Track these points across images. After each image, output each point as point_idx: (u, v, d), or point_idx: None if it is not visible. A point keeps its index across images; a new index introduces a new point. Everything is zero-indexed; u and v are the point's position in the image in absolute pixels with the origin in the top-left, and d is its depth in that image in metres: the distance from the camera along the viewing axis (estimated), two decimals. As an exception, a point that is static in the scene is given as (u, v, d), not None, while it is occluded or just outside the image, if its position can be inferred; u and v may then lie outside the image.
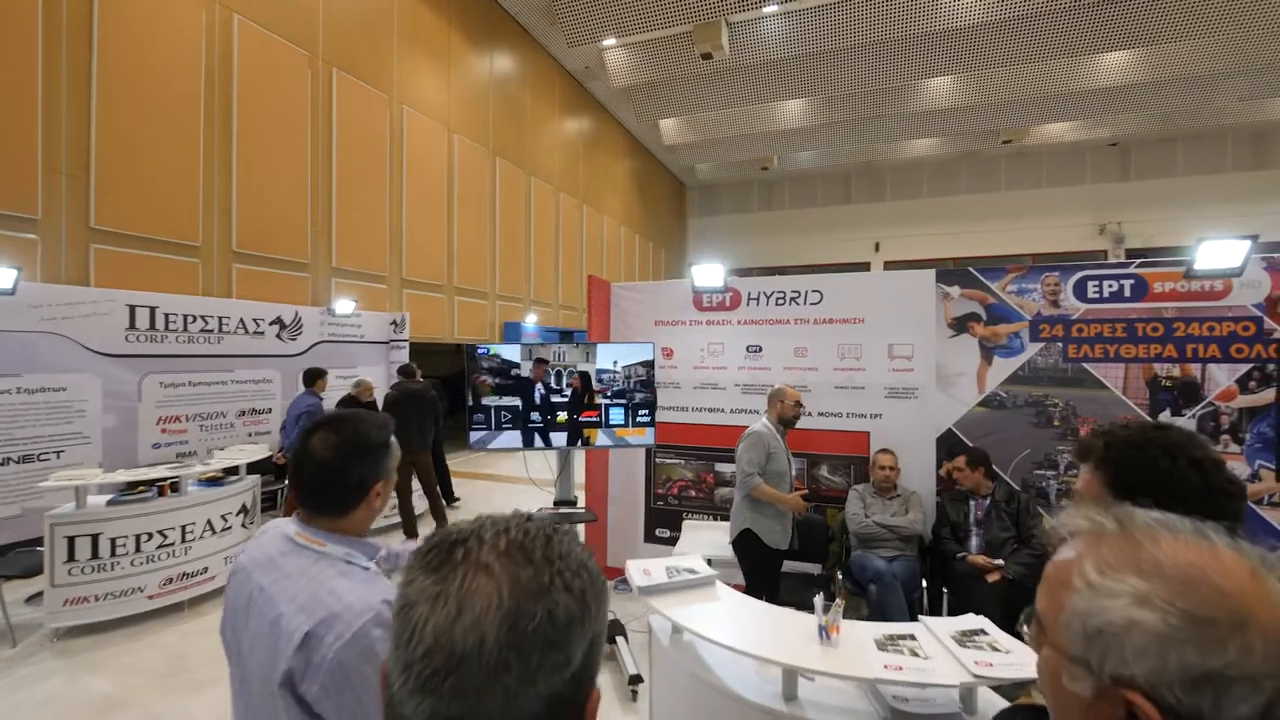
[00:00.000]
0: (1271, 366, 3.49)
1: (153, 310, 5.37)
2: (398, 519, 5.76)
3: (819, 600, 1.74)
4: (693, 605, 1.97)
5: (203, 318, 5.86)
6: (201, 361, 5.84)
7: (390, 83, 8.48)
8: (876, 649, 1.60)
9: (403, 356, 8.22)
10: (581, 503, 4.03)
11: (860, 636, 1.69)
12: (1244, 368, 3.55)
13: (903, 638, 1.65)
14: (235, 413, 6.20)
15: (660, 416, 4.15)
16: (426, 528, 5.63)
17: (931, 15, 8.90)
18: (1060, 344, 3.86)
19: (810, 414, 4.25)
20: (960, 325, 4.00)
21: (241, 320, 6.26)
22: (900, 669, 1.50)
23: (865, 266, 17.57)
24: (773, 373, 4.33)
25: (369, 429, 1.15)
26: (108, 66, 5.24)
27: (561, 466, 3.40)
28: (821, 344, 4.23)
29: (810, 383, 4.23)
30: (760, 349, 4.37)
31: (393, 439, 1.22)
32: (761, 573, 3.22)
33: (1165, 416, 3.69)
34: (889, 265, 17.39)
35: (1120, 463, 0.95)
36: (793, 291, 4.33)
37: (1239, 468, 3.55)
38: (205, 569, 4.12)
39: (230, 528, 4.30)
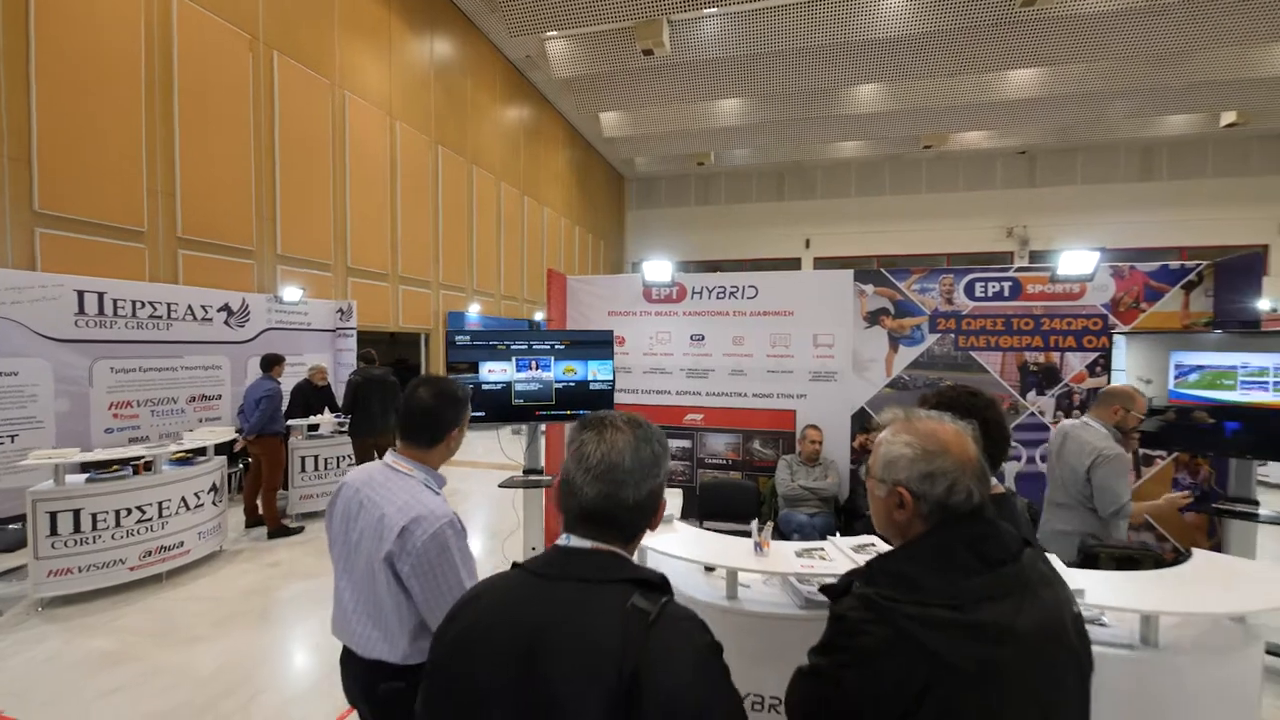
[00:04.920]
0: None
1: (101, 296, 5.32)
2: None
3: (754, 524, 2.28)
4: (657, 536, 2.46)
5: (151, 304, 5.82)
6: (151, 347, 5.81)
7: (332, 68, 8.43)
8: (796, 556, 2.15)
9: (350, 344, 8.31)
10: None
11: (784, 550, 2.24)
12: (1091, 356, 4.38)
13: (815, 550, 2.21)
14: (186, 398, 6.19)
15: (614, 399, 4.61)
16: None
17: (860, 25, 9.70)
18: (953, 335, 4.59)
19: (745, 395, 4.85)
20: (873, 318, 4.68)
21: (190, 307, 6.23)
22: (811, 567, 2.06)
23: (796, 262, 18.59)
24: (714, 359, 4.88)
25: (456, 387, 1.56)
26: (46, 49, 5.11)
27: (530, 440, 3.81)
28: (756, 334, 4.81)
29: (746, 368, 4.81)
30: (703, 337, 4.90)
31: (467, 395, 1.62)
32: None
33: (1032, 396, 4.50)
34: (819, 261, 18.49)
35: (937, 408, 1.50)
36: (732, 286, 4.88)
37: (1084, 434, 4.39)
38: (181, 543, 4.29)
39: (202, 504, 4.46)
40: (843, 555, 2.13)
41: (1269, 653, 2.77)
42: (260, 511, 5.43)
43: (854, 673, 0.90)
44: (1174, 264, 4.22)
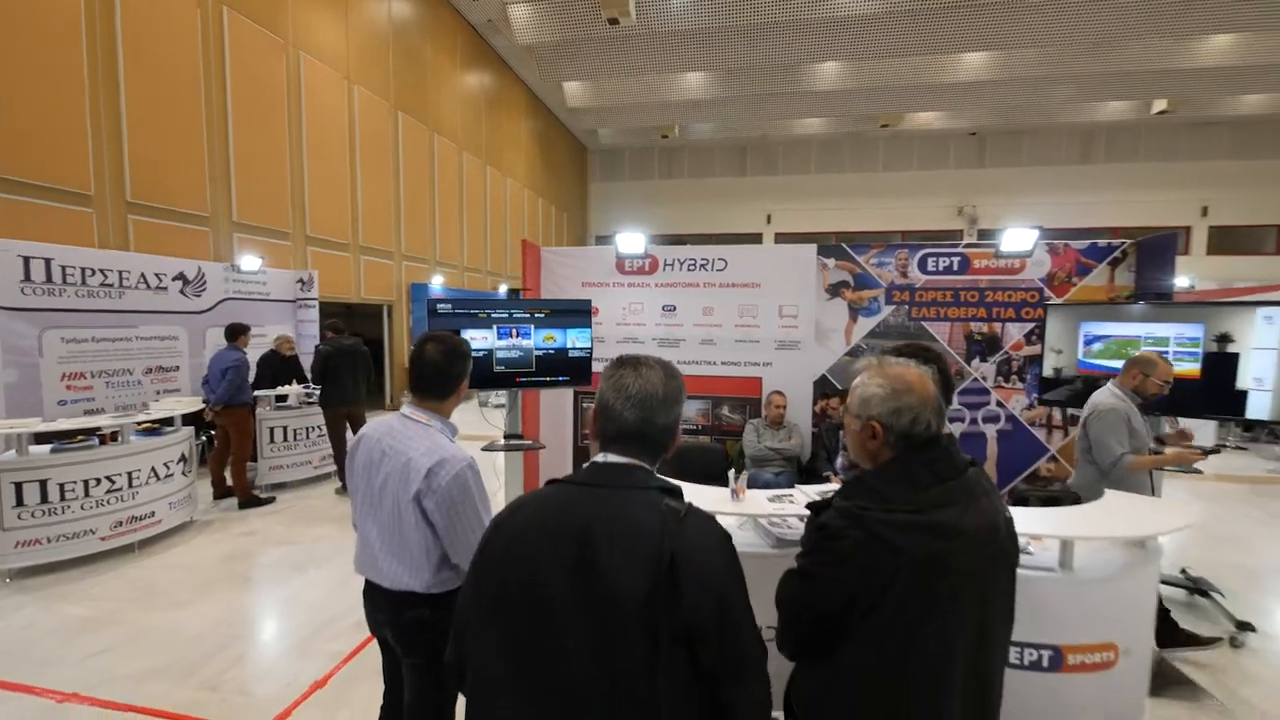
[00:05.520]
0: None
1: (48, 262, 5.09)
2: (332, 468, 6.00)
3: (731, 473, 2.51)
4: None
5: (102, 271, 5.60)
6: (103, 317, 5.61)
7: (285, 26, 8.08)
8: (768, 501, 2.40)
9: (312, 315, 8.15)
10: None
11: (758, 496, 2.49)
12: (1029, 326, 4.76)
13: (785, 495, 2.46)
14: (142, 370, 6.02)
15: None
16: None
17: (823, 3, 9.85)
18: (907, 307, 4.91)
19: (715, 363, 5.08)
20: (834, 291, 4.95)
21: (143, 275, 6.02)
22: (782, 509, 2.30)
23: (758, 237, 18.92)
24: (685, 329, 5.07)
25: (460, 341, 1.70)
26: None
27: (510, 406, 3.94)
28: (725, 304, 5.02)
29: (715, 337, 5.03)
30: (674, 308, 5.08)
31: (470, 349, 1.75)
32: None
33: (976, 363, 4.87)
34: (780, 237, 18.86)
35: (902, 356, 1.72)
36: (702, 259, 5.06)
37: (1020, 399, 4.81)
38: (153, 513, 4.27)
39: (172, 475, 4.43)
40: (808, 499, 2.37)
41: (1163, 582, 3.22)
42: (229, 483, 5.39)
43: (834, 570, 1.11)
44: (1102, 242, 4.62)
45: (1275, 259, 16.27)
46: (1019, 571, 2.09)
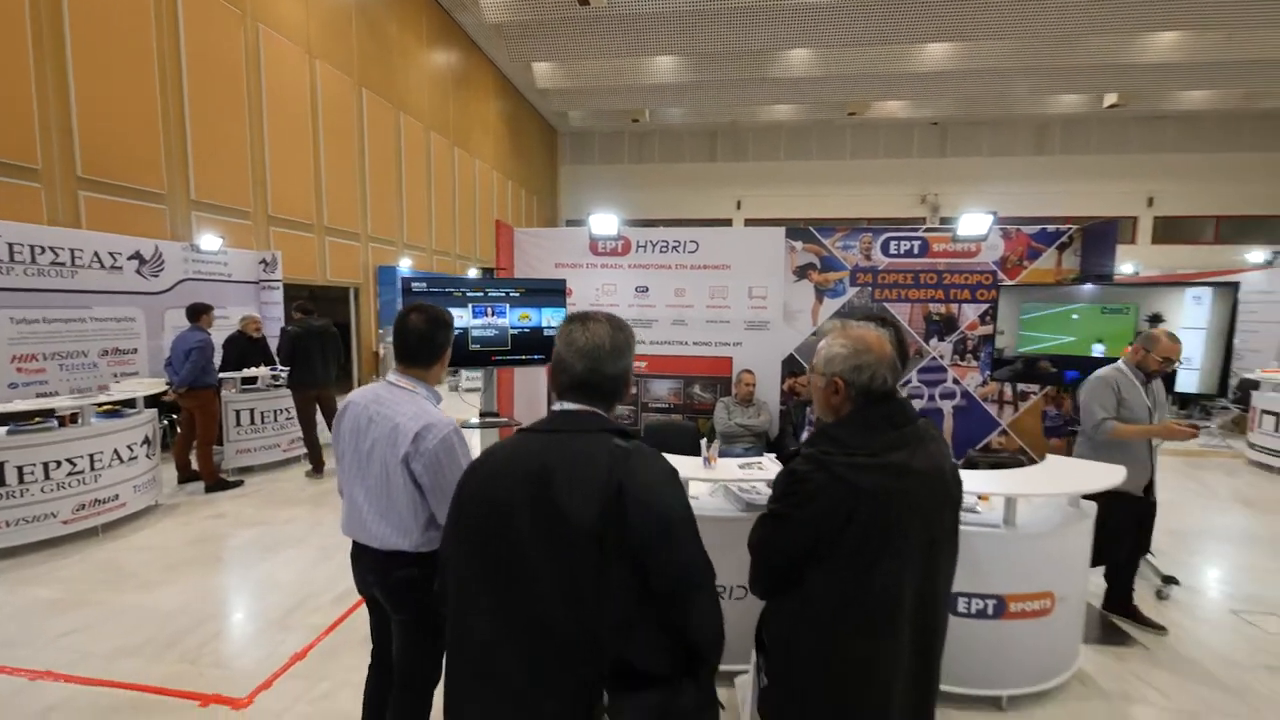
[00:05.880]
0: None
1: (-6, 238, 4.89)
2: (302, 451, 5.93)
3: (704, 442, 2.62)
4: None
5: (52, 249, 5.39)
6: (54, 297, 5.41)
7: (243, -5, 7.78)
8: (738, 468, 2.53)
9: (276, 298, 7.97)
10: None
11: (729, 463, 2.62)
12: (983, 306, 5.01)
13: (754, 463, 2.59)
14: (98, 352, 5.83)
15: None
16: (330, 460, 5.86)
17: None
18: (870, 288, 5.10)
19: (686, 343, 5.20)
20: (801, 273, 5.10)
21: (96, 254, 5.81)
22: (751, 475, 2.43)
23: (728, 223, 19.06)
24: (657, 309, 5.17)
25: (443, 312, 1.75)
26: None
27: (486, 385, 3.98)
28: (697, 286, 5.13)
29: (687, 318, 5.14)
30: (647, 289, 5.17)
31: (451, 318, 1.80)
32: (1100, 522, 2.66)
33: (934, 342, 5.10)
34: (749, 223, 19.04)
35: (863, 321, 1.84)
36: (674, 241, 5.15)
37: (975, 377, 5.07)
38: (116, 496, 4.19)
39: (136, 458, 4.34)
40: (776, 466, 2.51)
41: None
42: (194, 467, 5.30)
43: (801, 510, 1.23)
44: (1051, 228, 4.87)
45: (1214, 248, 17.17)
46: (968, 529, 2.29)
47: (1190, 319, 3.61)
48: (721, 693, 2.44)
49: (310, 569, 3.74)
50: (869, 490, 1.17)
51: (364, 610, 3.15)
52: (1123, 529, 2.93)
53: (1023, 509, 2.48)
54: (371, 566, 1.72)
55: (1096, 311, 3.91)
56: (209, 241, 6.96)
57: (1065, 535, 2.45)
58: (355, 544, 1.77)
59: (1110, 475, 2.59)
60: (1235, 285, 3.60)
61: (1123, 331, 3.81)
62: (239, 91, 7.75)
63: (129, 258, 6.17)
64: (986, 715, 2.41)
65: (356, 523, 1.72)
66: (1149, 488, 3.04)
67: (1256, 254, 11.04)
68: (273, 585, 3.57)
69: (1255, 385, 6.69)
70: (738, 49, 11.84)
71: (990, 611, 2.36)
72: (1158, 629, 3.04)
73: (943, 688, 2.37)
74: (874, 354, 1.26)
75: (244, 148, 7.86)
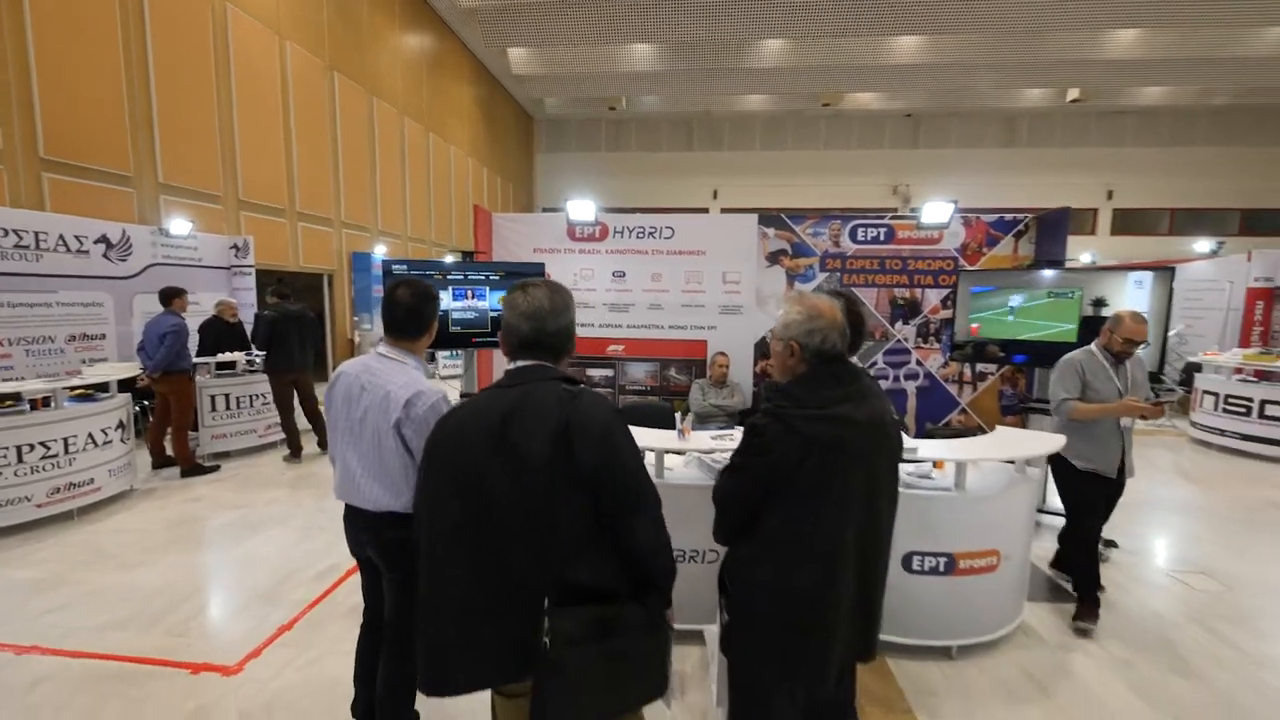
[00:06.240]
0: (958, 290, 5.18)
1: (-45, 221, 4.78)
2: (279, 436, 5.93)
3: (678, 415, 2.76)
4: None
5: (16, 231, 5.28)
6: (18, 281, 5.31)
7: (208, -26, 7.60)
8: (710, 439, 2.68)
9: (249, 284, 7.89)
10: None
11: (701, 435, 2.77)
12: (945, 291, 5.23)
13: (725, 434, 2.75)
14: (65, 337, 5.74)
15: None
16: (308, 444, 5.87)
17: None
18: (839, 274, 5.29)
19: (662, 327, 5.33)
20: (773, 258, 5.26)
21: (62, 237, 5.70)
22: (723, 446, 2.58)
23: (704, 213, 19.19)
24: (634, 294, 5.28)
25: (430, 287, 1.85)
26: None
27: (466, 366, 4.06)
28: (672, 271, 5.26)
29: (663, 302, 5.27)
30: (624, 274, 5.28)
31: (437, 293, 1.90)
32: (1068, 496, 3.07)
33: (899, 326, 5.31)
34: (725, 212, 19.19)
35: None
36: (650, 227, 5.26)
37: (937, 358, 5.30)
38: (91, 479, 4.18)
39: (111, 441, 4.33)
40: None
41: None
42: (169, 452, 5.27)
43: (760, 459, 1.37)
44: (1009, 216, 5.11)
45: (1168, 239, 17.88)
46: (922, 493, 2.47)
47: (1132, 302, 3.85)
48: (693, 650, 2.61)
49: (292, 547, 3.80)
50: (818, 439, 1.32)
51: (349, 585, 3.27)
52: (1089, 505, 2.99)
53: (972, 475, 2.67)
54: (364, 527, 1.82)
55: (1044, 296, 4.14)
56: (178, 225, 6.86)
57: (1010, 498, 2.66)
58: (348, 508, 1.86)
59: (1050, 442, 2.81)
60: (1171, 270, 3.85)
61: (1069, 314, 4.05)
62: (207, 73, 7.59)
63: (96, 241, 6.06)
64: (938, 664, 2.61)
65: (350, 486, 1.81)
66: (1122, 469, 3.02)
67: (1203, 244, 11.58)
68: (256, 562, 3.62)
69: (1199, 368, 7.08)
70: (713, 38, 11.94)
71: (941, 569, 2.55)
72: (1087, 617, 3.01)
73: (898, 639, 2.59)
74: (825, 320, 1.40)
75: (213, 130, 7.72)
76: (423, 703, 2.08)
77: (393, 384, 1.72)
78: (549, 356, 1.31)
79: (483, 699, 1.39)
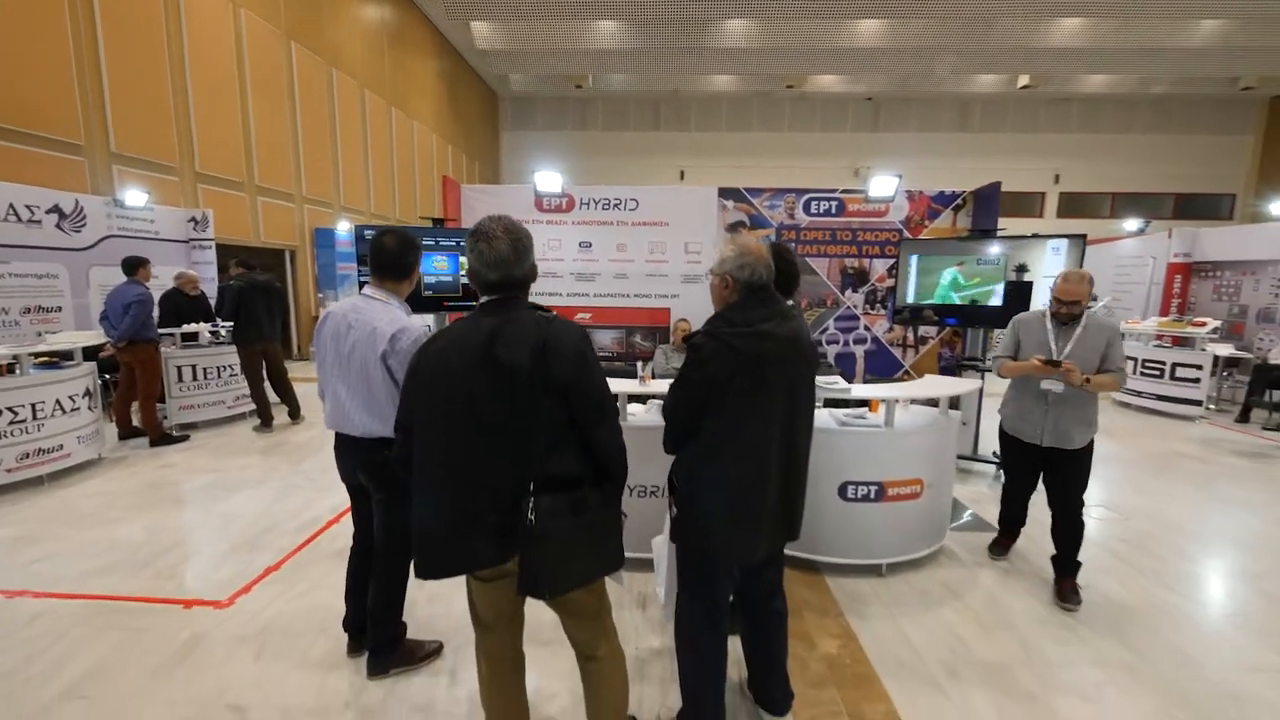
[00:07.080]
0: (903, 260, 5.55)
1: (-98, 186, 4.66)
2: (249, 406, 5.97)
3: (639, 364, 3.02)
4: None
5: (-35, 199, 5.16)
6: (-30, 250, 5.21)
7: (157, -65, 7.37)
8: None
9: (209, 257, 7.80)
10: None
11: (660, 383, 3.03)
12: (890, 261, 5.58)
13: (683, 382, 3.04)
14: (19, 309, 5.65)
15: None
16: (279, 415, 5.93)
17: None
18: (794, 244, 5.58)
19: (628, 295, 5.56)
20: (733, 229, 5.53)
21: (12, 206, 5.59)
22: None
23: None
24: (600, 264, 5.49)
25: (413, 236, 2.05)
26: None
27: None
28: (637, 241, 5.48)
29: (628, 271, 5.50)
30: (591, 245, 5.48)
31: (420, 241, 2.09)
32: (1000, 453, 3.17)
33: (849, 294, 5.65)
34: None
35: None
36: (615, 199, 5.46)
37: (883, 324, 5.67)
38: (60, 445, 4.22)
39: (79, 409, 4.36)
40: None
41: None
42: (136, 423, 5.29)
43: (699, 372, 1.63)
44: (948, 190, 5.47)
45: (1109, 222, 18.86)
46: (857, 430, 2.77)
47: (1049, 268, 4.25)
48: (640, 577, 2.88)
49: (272, 504, 3.94)
50: (747, 351, 1.59)
51: (332, 532, 3.45)
52: (1009, 464, 3.10)
53: (900, 414, 3.01)
54: (354, 453, 2.03)
55: (974, 262, 4.52)
56: (134, 197, 6.75)
57: (933, 434, 3.00)
58: (338, 436, 2.06)
59: (961, 386, 3.18)
60: (1083, 236, 4.26)
61: (996, 279, 4.44)
62: (158, 37, 7.40)
63: (48, 211, 5.95)
64: (869, 580, 2.96)
65: (340, 415, 2.01)
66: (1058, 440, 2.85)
67: (1131, 223, 12.34)
68: (236, 517, 3.74)
69: (1123, 336, 7.68)
70: (679, 16, 12.04)
71: (872, 496, 2.89)
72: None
73: (834, 559, 2.94)
74: (754, 255, 1.66)
75: (166, 99, 7.54)
76: (409, 615, 2.31)
77: (379, 320, 1.92)
78: (519, 291, 1.51)
79: (461, 608, 1.63)
